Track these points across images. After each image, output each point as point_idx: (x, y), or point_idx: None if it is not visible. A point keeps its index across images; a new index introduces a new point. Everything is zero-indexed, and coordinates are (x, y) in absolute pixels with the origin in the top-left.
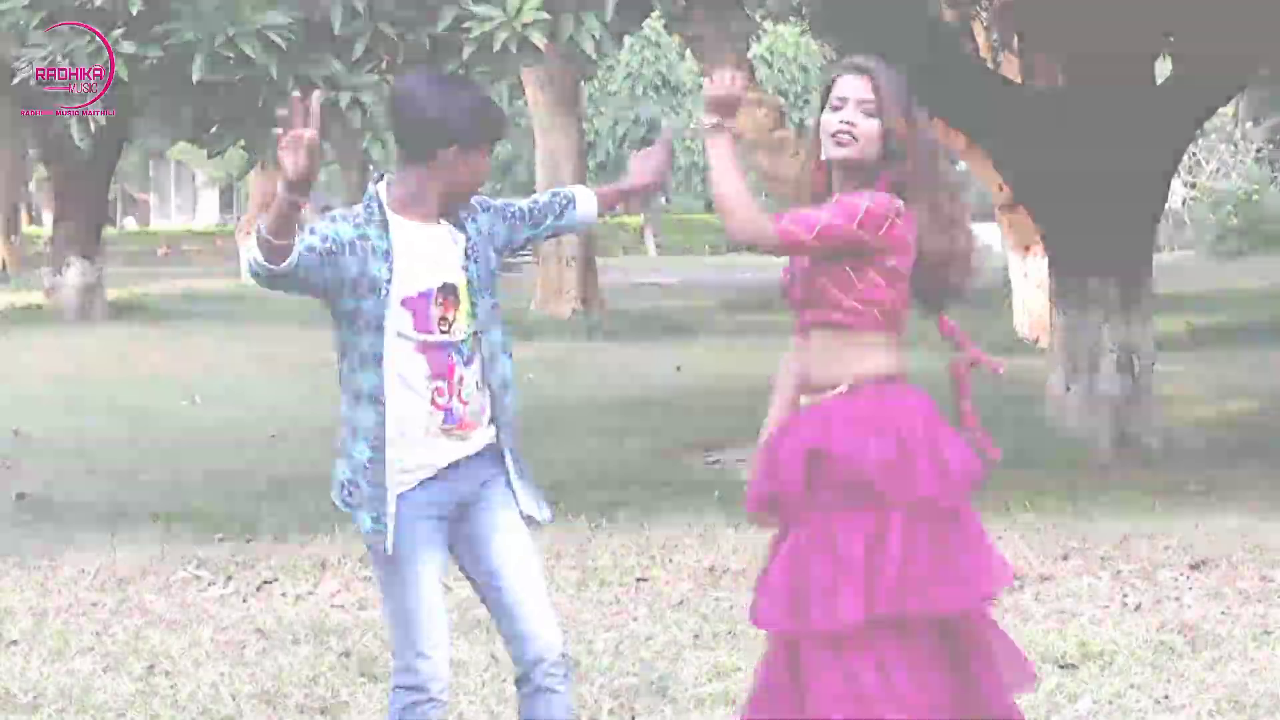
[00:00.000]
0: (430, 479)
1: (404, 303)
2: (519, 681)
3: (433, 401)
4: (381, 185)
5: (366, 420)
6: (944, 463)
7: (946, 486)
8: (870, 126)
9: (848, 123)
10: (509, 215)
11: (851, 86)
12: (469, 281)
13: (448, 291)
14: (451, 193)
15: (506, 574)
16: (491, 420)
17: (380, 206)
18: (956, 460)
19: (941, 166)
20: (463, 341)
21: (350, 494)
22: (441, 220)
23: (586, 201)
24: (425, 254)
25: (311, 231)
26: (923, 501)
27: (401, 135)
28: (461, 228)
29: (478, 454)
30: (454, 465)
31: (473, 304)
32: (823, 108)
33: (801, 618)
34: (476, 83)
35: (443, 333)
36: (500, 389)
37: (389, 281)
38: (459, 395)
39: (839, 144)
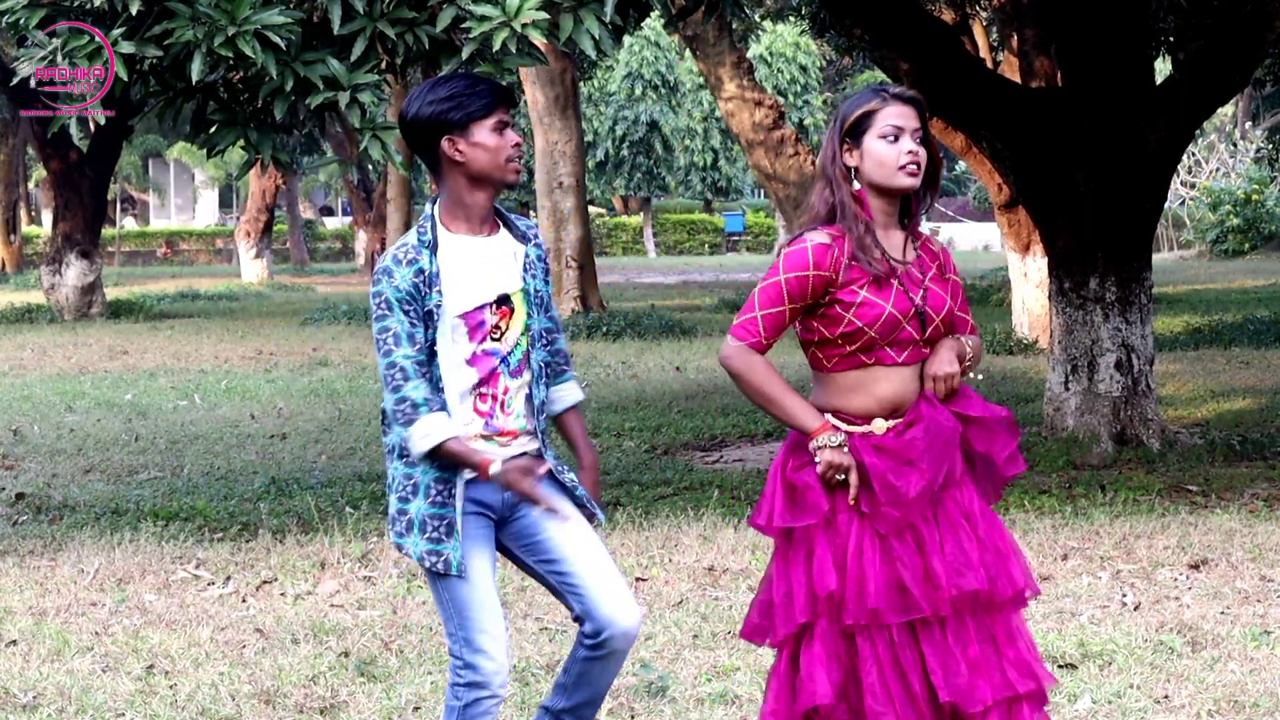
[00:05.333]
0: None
1: (461, 316)
2: (590, 641)
3: (474, 408)
4: (437, 204)
5: None
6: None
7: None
8: (923, 155)
9: (914, 152)
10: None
11: (906, 116)
12: (526, 294)
13: (503, 302)
14: (480, 179)
15: (572, 558)
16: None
17: (433, 226)
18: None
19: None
20: (510, 353)
21: (405, 525)
22: (500, 229)
23: (566, 393)
24: (479, 268)
25: (386, 305)
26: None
27: (413, 151)
28: (524, 240)
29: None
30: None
31: (528, 317)
32: (846, 134)
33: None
34: (468, 73)
35: (494, 340)
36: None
37: (439, 307)
38: (502, 406)
39: (910, 174)
